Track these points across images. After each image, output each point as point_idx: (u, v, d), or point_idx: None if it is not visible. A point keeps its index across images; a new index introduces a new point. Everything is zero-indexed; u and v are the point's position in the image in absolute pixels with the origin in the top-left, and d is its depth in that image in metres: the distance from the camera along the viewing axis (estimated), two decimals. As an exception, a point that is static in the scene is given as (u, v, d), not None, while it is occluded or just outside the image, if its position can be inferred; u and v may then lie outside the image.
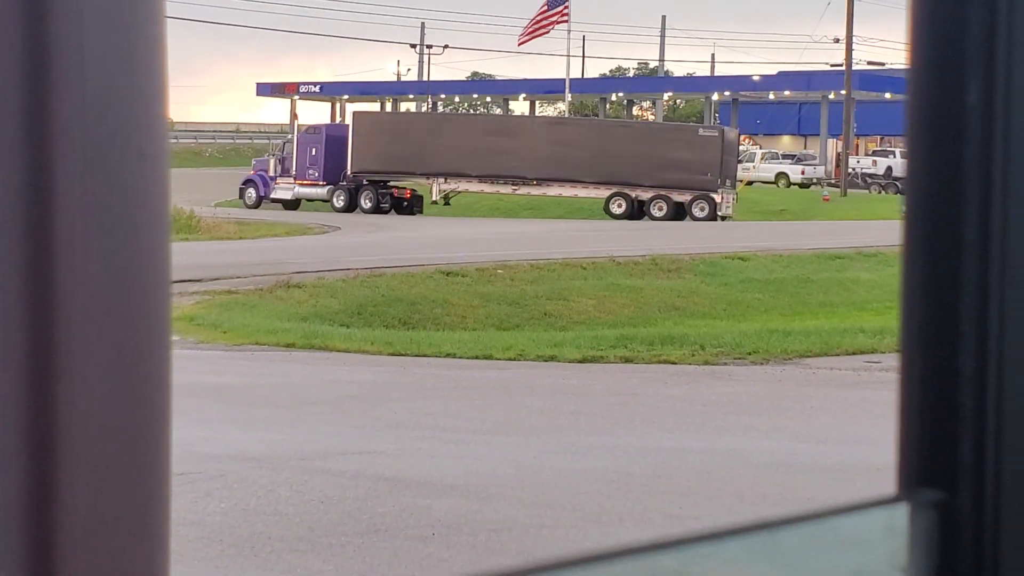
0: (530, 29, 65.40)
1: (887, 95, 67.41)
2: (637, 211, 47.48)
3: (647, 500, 9.26)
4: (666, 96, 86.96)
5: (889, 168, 63.24)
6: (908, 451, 1.10)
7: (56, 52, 0.76)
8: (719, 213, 46.37)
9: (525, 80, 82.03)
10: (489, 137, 49.18)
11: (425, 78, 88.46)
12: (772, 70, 74.84)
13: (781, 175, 66.07)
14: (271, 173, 53.32)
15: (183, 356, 16.66)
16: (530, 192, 49.22)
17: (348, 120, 53.87)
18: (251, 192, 52.90)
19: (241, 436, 11.27)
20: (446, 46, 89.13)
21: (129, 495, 0.79)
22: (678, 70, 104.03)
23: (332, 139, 51.41)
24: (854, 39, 60.45)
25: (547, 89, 78.57)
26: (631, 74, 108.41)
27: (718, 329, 19.72)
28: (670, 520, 8.72)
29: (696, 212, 46.65)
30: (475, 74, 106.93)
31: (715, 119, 78.89)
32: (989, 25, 1.08)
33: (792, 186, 64.38)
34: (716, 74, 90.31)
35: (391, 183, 50.22)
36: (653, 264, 27.10)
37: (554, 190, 48.85)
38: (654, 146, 47.63)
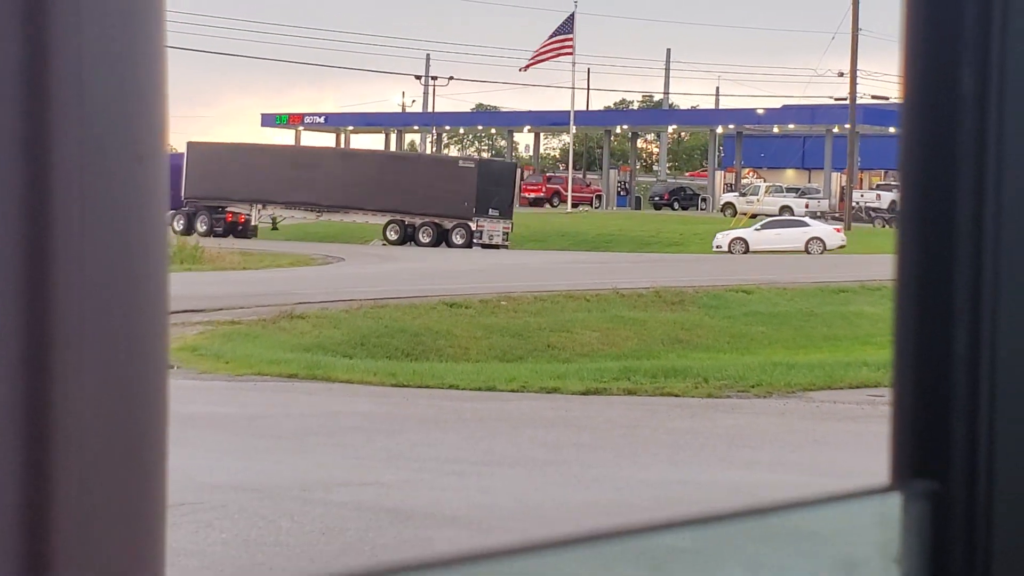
0: (537, 57, 65.54)
1: (891, 129, 67.48)
2: (411, 237, 50.98)
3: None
4: (670, 129, 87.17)
5: (893, 202, 63.23)
6: (901, 441, 1.10)
7: (54, 54, 0.75)
8: (484, 241, 49.57)
9: (530, 112, 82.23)
10: (295, 167, 53.19)
11: (430, 109, 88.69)
12: (777, 103, 75.00)
13: (785, 208, 66.10)
14: None
15: (186, 386, 16.63)
16: (330, 218, 53.25)
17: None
18: None
19: (243, 466, 11.24)
20: (451, 78, 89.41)
21: (124, 495, 0.78)
22: (683, 103, 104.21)
23: (175, 167, 55.53)
24: (858, 73, 60.60)
25: (552, 121, 78.77)
26: (635, 107, 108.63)
27: (721, 362, 19.69)
28: (673, 553, 8.67)
29: (456, 239, 50.09)
30: (480, 106, 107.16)
31: (720, 152, 79.02)
32: (983, 61, 1.08)
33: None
34: (720, 107, 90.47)
35: (226, 208, 53.87)
36: (657, 296, 27.08)
37: (350, 216, 52.72)
38: (422, 177, 51.36)
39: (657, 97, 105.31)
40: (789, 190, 69.36)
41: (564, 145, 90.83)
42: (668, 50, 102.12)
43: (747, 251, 46.67)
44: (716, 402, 15.65)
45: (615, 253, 46.78)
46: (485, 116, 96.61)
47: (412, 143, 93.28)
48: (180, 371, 17.89)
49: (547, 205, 74.73)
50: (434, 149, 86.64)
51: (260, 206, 53.75)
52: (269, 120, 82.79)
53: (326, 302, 24.69)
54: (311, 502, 9.87)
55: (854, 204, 61.48)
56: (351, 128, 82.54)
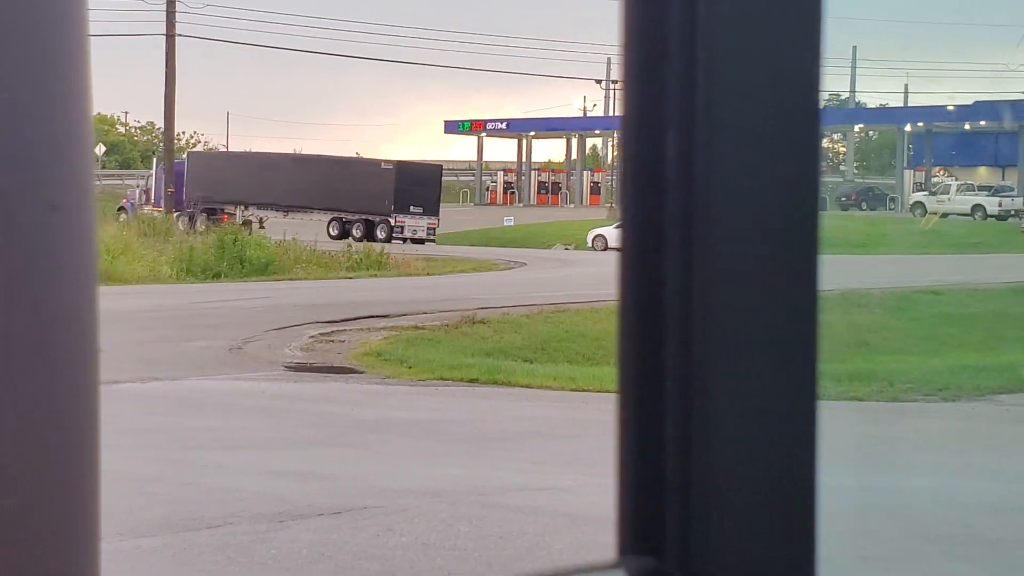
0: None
1: (1089, 123, 65.29)
2: (348, 233, 55.66)
3: (832, 541, 9.08)
4: (857, 128, 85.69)
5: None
6: (623, 518, 1.10)
7: None
8: (407, 236, 54.49)
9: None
10: (262, 172, 58.66)
11: (611, 113, 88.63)
12: (967, 100, 73.16)
13: (977, 207, 64.43)
14: (137, 201, 63.62)
15: (369, 391, 16.93)
16: (294, 218, 56.66)
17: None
18: (122, 217, 59.10)
19: (423, 471, 11.38)
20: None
21: (47, 515, 0.74)
22: (871, 101, 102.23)
23: (181, 173, 61.46)
24: (1052, 66, 58.80)
25: (734, 123, 77.81)
26: (821, 106, 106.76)
27: (907, 365, 19.30)
28: (855, 561, 8.54)
29: (379, 234, 55.31)
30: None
31: (908, 150, 77.36)
32: (687, 82, 1.09)
33: (989, 218, 62.75)
34: (909, 105, 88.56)
35: (225, 210, 58.49)
36: (841, 298, 26.65)
37: (307, 215, 56.94)
38: (354, 178, 57.14)
39: (844, 95, 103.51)
40: (981, 188, 67.60)
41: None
42: (854, 48, 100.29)
43: (606, 248, 49.90)
44: (901, 406, 15.34)
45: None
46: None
47: (594, 147, 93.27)
48: (365, 376, 18.21)
49: (731, 207, 73.98)
50: (614, 153, 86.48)
51: (243, 208, 58.78)
52: (452, 127, 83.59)
53: (507, 307, 24.85)
54: (489, 506, 9.95)
55: (1049, 202, 59.56)
56: (532, 133, 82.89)
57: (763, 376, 1.13)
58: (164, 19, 54.72)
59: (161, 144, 64.73)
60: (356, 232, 56.25)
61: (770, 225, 1.13)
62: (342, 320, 23.43)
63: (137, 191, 66.26)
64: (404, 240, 53.80)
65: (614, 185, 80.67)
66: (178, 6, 55.09)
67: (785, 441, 1.14)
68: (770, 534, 1.13)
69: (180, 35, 55.08)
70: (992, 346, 23.16)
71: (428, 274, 37.76)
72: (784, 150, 1.13)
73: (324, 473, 10.89)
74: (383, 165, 59.01)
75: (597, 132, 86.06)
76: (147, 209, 60.88)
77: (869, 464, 11.81)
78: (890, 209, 73.92)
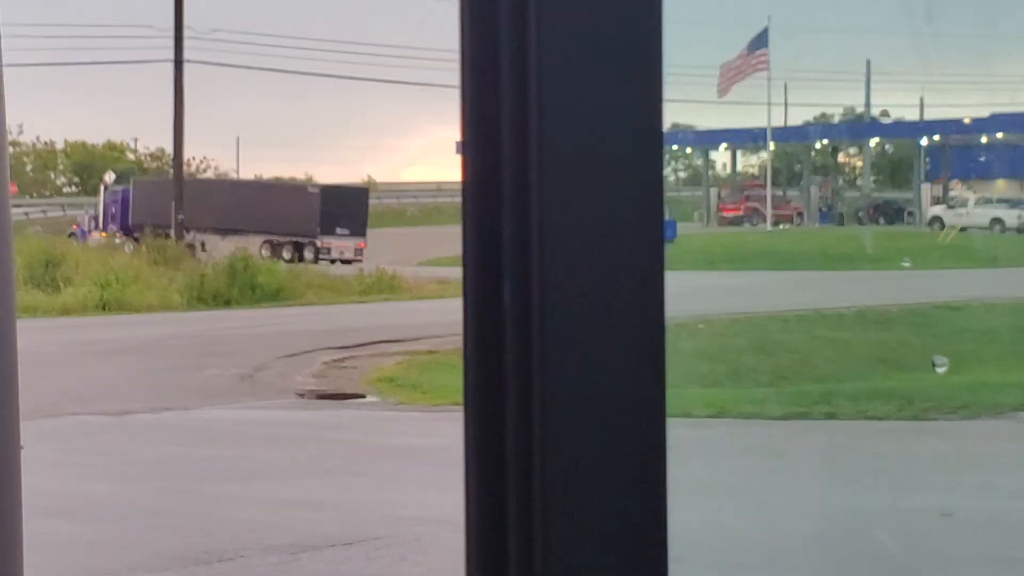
0: (729, 75, 65.06)
1: (1105, 134, 65.01)
2: (277, 255, 56.99)
3: (848, 563, 8.95)
4: (873, 142, 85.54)
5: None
6: (470, 538, 1.12)
7: None
8: (334, 257, 56.16)
9: (726, 130, 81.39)
10: (200, 196, 60.45)
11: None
12: (984, 112, 72.96)
13: (996, 220, 64.19)
14: (86, 227, 64.87)
15: (382, 418, 16.82)
16: (230, 241, 57.22)
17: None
18: (73, 242, 60.32)
19: (436, 499, 11.25)
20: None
21: None
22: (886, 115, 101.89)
23: (127, 199, 63.56)
24: (1068, 78, 58.66)
25: (748, 138, 77.88)
26: (836, 120, 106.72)
27: (927, 382, 19.12)
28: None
29: (307, 255, 57.39)
30: (675, 125, 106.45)
31: (925, 163, 77.11)
32: (519, 105, 1.12)
33: (1007, 231, 62.49)
34: (925, 118, 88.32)
35: (169, 234, 58.99)
36: (860, 316, 26.50)
37: (244, 238, 57.30)
38: (282, 201, 59.80)
39: (859, 110, 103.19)
40: (1000, 201, 67.32)
41: (763, 161, 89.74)
42: (868, 61, 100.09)
43: None
44: (921, 425, 15.17)
45: (816, 272, 45.97)
46: (681, 135, 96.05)
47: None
48: (378, 403, 18.10)
49: (746, 224, 73.91)
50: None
51: (184, 231, 59.66)
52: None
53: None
54: (502, 535, 9.81)
55: (1067, 213, 59.28)
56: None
57: (606, 395, 1.14)
58: (172, 45, 54.88)
59: (171, 169, 65.37)
60: (286, 254, 57.95)
61: (612, 247, 1.14)
62: (355, 346, 23.33)
63: (87, 217, 67.70)
64: (332, 261, 54.35)
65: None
66: (186, 32, 55.26)
67: (631, 460, 1.17)
68: (617, 554, 1.16)
69: (188, 61, 55.19)
70: (1013, 362, 22.96)
71: (442, 296, 37.64)
72: (625, 173, 1.15)
73: (336, 502, 10.77)
74: (309, 188, 61.36)
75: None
76: (95, 235, 62.10)
77: (887, 484, 11.66)
78: (907, 223, 73.65)
